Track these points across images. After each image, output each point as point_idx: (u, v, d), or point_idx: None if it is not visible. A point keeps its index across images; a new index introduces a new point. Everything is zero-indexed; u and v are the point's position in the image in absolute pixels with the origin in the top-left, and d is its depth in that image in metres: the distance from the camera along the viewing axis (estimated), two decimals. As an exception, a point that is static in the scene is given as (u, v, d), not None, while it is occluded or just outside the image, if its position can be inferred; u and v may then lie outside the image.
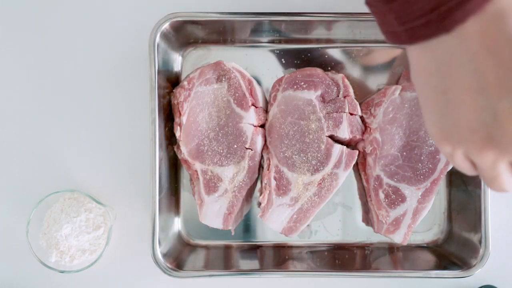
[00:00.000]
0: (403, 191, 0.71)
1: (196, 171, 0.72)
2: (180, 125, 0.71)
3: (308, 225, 0.75)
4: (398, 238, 0.72)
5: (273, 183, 0.71)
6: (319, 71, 0.72)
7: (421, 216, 0.72)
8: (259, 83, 0.76)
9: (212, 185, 0.71)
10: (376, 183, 0.71)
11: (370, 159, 0.72)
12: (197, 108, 0.71)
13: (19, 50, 0.78)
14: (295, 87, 0.71)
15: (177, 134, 0.71)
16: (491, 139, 0.36)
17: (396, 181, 0.71)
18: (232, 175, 0.71)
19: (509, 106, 0.35)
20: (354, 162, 0.71)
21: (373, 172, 0.71)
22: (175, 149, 0.74)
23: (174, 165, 0.76)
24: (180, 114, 0.71)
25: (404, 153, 0.71)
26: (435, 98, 0.38)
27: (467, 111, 0.36)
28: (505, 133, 0.35)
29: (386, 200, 0.71)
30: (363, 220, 0.77)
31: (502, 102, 0.35)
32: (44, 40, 0.78)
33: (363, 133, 0.72)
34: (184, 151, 0.71)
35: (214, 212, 0.72)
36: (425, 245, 0.78)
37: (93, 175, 0.78)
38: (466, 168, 0.40)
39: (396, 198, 0.71)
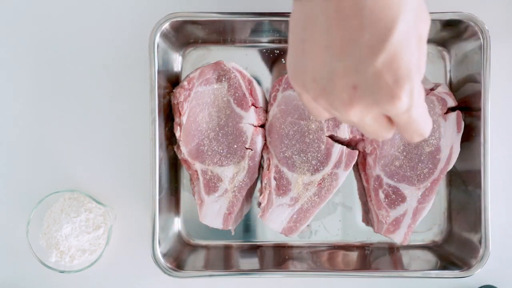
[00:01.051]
0: (403, 191, 0.71)
1: (196, 171, 0.72)
2: (180, 125, 0.71)
3: (308, 225, 0.75)
4: (398, 238, 0.72)
5: (273, 183, 0.71)
6: (319, 71, 0.72)
7: (421, 216, 0.72)
8: (259, 83, 0.76)
9: (212, 185, 0.71)
10: (376, 183, 0.71)
11: (370, 159, 0.72)
12: (197, 108, 0.71)
13: (19, 50, 0.78)
14: (295, 87, 0.71)
15: (177, 134, 0.71)
16: (324, 91, 0.43)
17: (396, 181, 0.71)
18: (232, 175, 0.71)
19: (343, 68, 0.41)
20: (354, 162, 0.71)
21: (373, 172, 0.71)
22: (175, 149, 0.74)
23: (174, 165, 0.76)
24: (180, 114, 0.71)
25: (404, 153, 0.71)
26: (295, 44, 0.44)
27: (314, 62, 0.43)
28: (335, 89, 0.42)
29: (386, 200, 0.71)
30: (363, 220, 0.77)
31: (339, 63, 0.41)
32: (44, 40, 0.78)
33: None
34: (184, 151, 0.71)
35: (214, 212, 0.72)
36: (425, 245, 0.78)
37: (93, 175, 0.78)
38: (310, 108, 0.48)
39: (396, 198, 0.71)
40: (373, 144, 0.71)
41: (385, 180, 0.71)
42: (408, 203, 0.71)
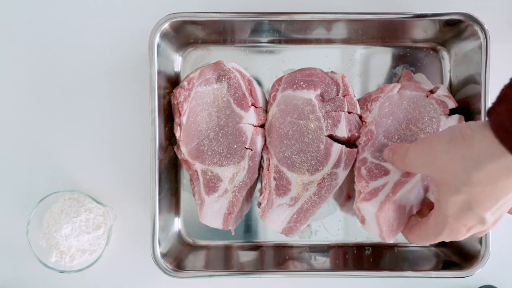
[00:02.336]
0: (387, 166, 0.69)
1: (196, 171, 0.72)
2: (180, 125, 0.71)
3: (308, 225, 0.75)
4: (372, 207, 0.68)
5: (273, 183, 0.71)
6: (318, 70, 0.72)
7: (402, 189, 0.68)
8: (259, 83, 0.76)
9: (212, 185, 0.71)
10: (360, 163, 0.70)
11: (360, 147, 0.71)
12: (197, 108, 0.71)
13: (19, 51, 0.78)
14: (294, 86, 0.71)
15: (177, 134, 0.71)
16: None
17: (381, 160, 0.69)
18: (232, 175, 0.71)
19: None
20: (353, 161, 0.71)
21: (360, 156, 0.70)
22: (175, 149, 0.74)
23: (174, 165, 0.76)
24: (180, 114, 0.71)
25: (396, 138, 0.70)
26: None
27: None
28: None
29: (368, 174, 0.69)
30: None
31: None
32: (45, 41, 0.78)
33: (360, 129, 0.72)
34: (184, 151, 0.71)
35: (214, 212, 0.72)
36: (425, 245, 0.78)
37: (93, 175, 0.78)
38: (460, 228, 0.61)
39: (378, 172, 0.69)
40: (368, 135, 0.70)
41: (370, 159, 0.69)
42: (390, 176, 0.68)
